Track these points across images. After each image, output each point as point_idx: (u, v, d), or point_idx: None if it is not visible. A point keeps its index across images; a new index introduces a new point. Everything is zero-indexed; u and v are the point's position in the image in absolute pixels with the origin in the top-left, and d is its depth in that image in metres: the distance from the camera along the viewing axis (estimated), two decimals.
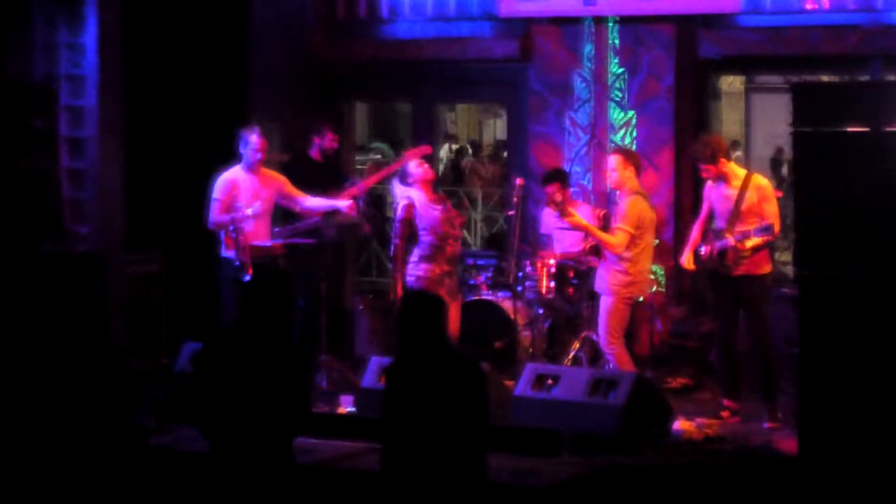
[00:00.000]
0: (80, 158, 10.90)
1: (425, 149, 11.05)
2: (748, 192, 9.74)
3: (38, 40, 10.91)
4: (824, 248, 7.73)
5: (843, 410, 7.60)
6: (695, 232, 10.13)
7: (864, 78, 11.42)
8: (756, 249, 9.69)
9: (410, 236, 10.42)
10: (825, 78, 12.42)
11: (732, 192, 9.79)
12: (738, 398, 9.94)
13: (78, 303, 10.29)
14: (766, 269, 9.83)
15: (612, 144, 11.90)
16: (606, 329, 10.11)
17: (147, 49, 11.58)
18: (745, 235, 9.62)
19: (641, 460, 8.70)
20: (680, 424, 9.50)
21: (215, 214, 10.40)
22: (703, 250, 9.91)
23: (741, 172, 9.90)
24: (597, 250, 10.41)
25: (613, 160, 10.28)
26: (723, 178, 9.84)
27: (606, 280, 10.15)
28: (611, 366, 10.15)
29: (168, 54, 11.88)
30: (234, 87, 12.30)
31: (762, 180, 9.88)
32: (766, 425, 9.68)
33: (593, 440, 8.78)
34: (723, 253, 9.76)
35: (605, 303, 10.16)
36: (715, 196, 9.95)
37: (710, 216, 10.07)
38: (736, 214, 9.75)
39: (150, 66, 11.68)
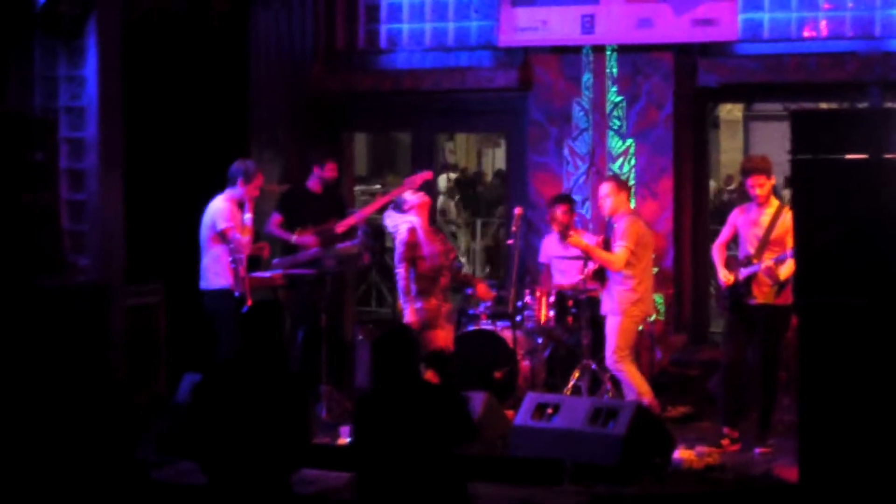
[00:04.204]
0: (80, 190, 10.89)
1: (426, 174, 11.11)
2: (780, 221, 9.67)
3: (38, 72, 10.93)
4: (823, 275, 7.72)
5: (843, 438, 7.58)
6: (720, 253, 10.04)
7: (863, 105, 11.44)
8: (782, 283, 9.62)
9: (413, 260, 10.46)
10: (824, 105, 12.42)
11: (765, 219, 9.77)
12: (738, 426, 9.92)
13: (78, 335, 10.27)
14: (789, 299, 9.77)
15: (611, 173, 11.91)
16: (614, 346, 10.14)
17: (147, 81, 11.61)
18: (781, 260, 9.58)
19: (642, 489, 8.67)
20: (680, 453, 9.47)
21: (238, 237, 10.38)
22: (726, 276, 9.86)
23: (775, 201, 9.89)
24: (601, 276, 10.40)
25: (606, 187, 10.44)
26: (766, 199, 9.76)
27: (615, 300, 10.19)
28: (613, 391, 10.18)
29: (168, 86, 11.90)
30: (234, 118, 12.32)
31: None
32: (758, 451, 9.69)
33: (594, 469, 8.76)
34: (748, 279, 9.74)
35: (613, 322, 10.19)
36: (743, 221, 9.91)
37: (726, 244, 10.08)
38: (765, 242, 9.72)
39: (150, 98, 11.70)
